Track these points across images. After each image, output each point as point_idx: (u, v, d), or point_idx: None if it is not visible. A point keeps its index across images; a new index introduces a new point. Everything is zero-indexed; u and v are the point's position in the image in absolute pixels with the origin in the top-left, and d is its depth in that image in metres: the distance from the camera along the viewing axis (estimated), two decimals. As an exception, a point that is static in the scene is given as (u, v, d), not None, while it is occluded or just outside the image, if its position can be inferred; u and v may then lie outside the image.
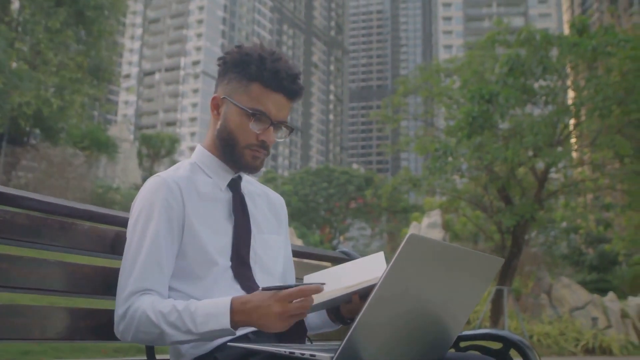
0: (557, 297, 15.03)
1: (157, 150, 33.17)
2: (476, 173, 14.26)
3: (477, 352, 1.86)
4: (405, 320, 1.14)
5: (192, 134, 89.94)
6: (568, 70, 14.01)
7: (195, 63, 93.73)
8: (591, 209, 15.99)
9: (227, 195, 1.55)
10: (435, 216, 24.54)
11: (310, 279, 1.60)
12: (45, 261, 1.38)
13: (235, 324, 1.27)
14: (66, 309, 1.41)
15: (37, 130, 19.15)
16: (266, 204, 1.66)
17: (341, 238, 47.25)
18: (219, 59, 1.57)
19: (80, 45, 19.94)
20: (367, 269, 1.48)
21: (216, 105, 1.56)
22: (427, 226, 24.61)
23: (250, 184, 1.66)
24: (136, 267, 1.38)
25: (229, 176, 1.56)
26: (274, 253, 1.59)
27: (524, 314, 13.98)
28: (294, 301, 1.22)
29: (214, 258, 1.45)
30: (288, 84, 1.50)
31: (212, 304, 1.30)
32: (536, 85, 13.42)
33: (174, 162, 36.18)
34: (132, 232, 1.44)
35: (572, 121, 13.87)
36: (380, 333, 1.10)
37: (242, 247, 1.50)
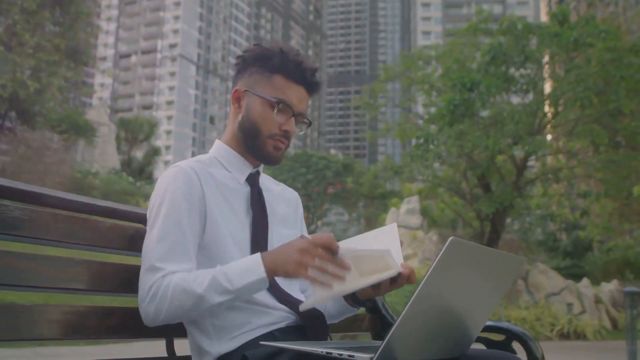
0: (533, 283, 15.29)
1: (135, 134, 32.75)
2: (456, 160, 14.40)
3: (482, 345, 1.90)
4: (436, 320, 1.18)
5: (169, 118, 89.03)
6: (546, 59, 14.17)
7: (173, 46, 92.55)
8: (567, 197, 16.26)
9: (245, 189, 1.56)
10: (413, 202, 24.73)
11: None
12: (71, 260, 1.38)
13: (268, 272, 1.31)
14: (90, 308, 1.41)
15: (13, 114, 18.76)
16: (282, 199, 1.68)
17: (319, 223, 47.37)
18: (238, 57, 1.59)
19: (56, 26, 19.53)
20: (385, 244, 1.46)
21: (237, 98, 1.56)
22: (406, 212, 24.78)
23: (267, 180, 1.67)
24: (160, 252, 1.37)
25: (247, 170, 1.57)
26: None
27: (501, 299, 14.22)
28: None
29: (234, 251, 1.46)
30: (309, 77, 1.53)
31: (242, 262, 1.35)
32: (517, 74, 13.55)
33: (152, 147, 36.05)
34: (154, 220, 1.42)
35: (551, 110, 14.05)
36: (415, 333, 1.13)
37: (260, 242, 1.51)
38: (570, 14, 14.27)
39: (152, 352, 1.59)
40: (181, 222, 1.41)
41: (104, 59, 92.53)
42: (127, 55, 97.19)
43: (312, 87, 1.55)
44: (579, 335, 13.12)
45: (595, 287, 16.18)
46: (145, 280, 1.37)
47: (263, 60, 1.52)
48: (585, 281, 16.05)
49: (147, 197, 24.35)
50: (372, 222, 39.65)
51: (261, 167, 1.63)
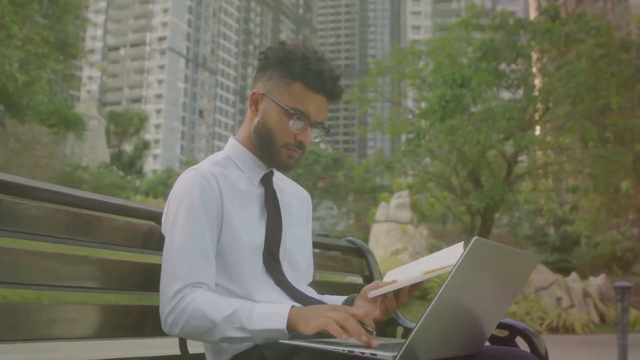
0: (523, 278, 15.40)
1: (125, 128, 32.51)
2: (446, 155, 14.45)
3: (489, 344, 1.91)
4: (455, 318, 1.19)
5: (158, 111, 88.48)
6: (536, 55, 14.24)
7: (162, 39, 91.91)
8: (556, 192, 16.39)
9: (260, 191, 1.56)
10: (403, 197, 24.80)
11: (392, 275, 1.57)
12: (87, 258, 1.38)
13: (289, 325, 1.29)
14: (106, 307, 1.41)
15: (2, 107, 18.59)
16: (295, 199, 1.68)
17: (309, 217, 47.50)
18: (261, 53, 1.56)
19: (45, 19, 19.33)
20: (443, 259, 1.45)
21: (255, 100, 1.54)
22: (396, 207, 24.86)
23: (279, 179, 1.67)
24: (184, 260, 1.38)
25: (261, 171, 1.57)
26: (301, 248, 1.62)
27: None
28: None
29: (249, 254, 1.47)
30: (330, 86, 1.49)
31: (272, 306, 1.33)
32: (507, 69, 13.62)
33: (142, 140, 35.82)
34: (173, 226, 1.43)
35: (541, 106, 14.13)
36: (435, 331, 1.14)
37: (273, 243, 1.52)
38: (560, 10, 14.36)
39: (165, 351, 1.59)
40: (202, 230, 1.42)
41: (92, 51, 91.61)
42: (116, 48, 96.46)
43: (333, 95, 1.51)
44: (568, 329, 13.27)
45: (584, 282, 16.34)
46: (169, 288, 1.37)
47: (284, 64, 1.49)
48: (573, 275, 16.21)
49: (137, 191, 24.21)
50: (361, 217, 39.72)
51: None
